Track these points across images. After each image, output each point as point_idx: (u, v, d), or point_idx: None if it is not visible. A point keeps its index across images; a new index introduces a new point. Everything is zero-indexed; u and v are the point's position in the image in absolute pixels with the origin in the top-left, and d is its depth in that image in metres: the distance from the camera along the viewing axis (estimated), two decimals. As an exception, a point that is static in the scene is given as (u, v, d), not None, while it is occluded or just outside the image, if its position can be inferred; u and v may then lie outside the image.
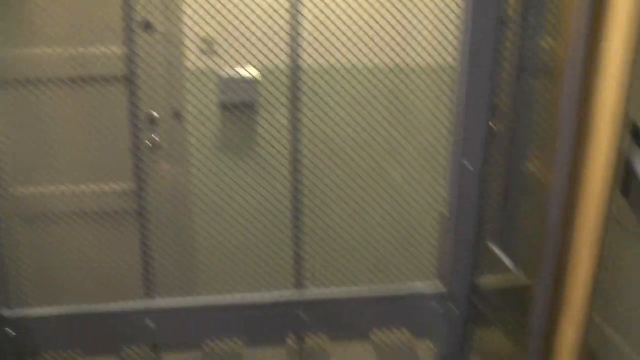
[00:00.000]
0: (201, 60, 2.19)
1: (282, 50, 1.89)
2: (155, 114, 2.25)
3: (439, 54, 1.89)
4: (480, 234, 1.86)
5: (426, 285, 1.97)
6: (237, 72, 2.16)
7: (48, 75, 2.09)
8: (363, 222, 2.27)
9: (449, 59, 1.85)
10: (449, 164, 1.84)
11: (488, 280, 1.94)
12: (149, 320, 1.89)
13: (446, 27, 1.80)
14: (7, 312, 1.87)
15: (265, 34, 1.90)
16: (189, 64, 2.16)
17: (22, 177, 2.21)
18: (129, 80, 1.71)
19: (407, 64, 2.03)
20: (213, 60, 2.17)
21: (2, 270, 1.87)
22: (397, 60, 2.02)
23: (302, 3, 1.72)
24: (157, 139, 2.23)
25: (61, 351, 1.95)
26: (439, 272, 1.98)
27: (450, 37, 1.78)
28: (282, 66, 1.97)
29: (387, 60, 2.04)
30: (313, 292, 1.96)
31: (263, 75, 2.18)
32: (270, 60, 1.96)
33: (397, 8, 1.88)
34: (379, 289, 2.00)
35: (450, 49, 1.82)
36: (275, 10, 1.85)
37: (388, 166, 2.23)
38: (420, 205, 2.24)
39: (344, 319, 1.97)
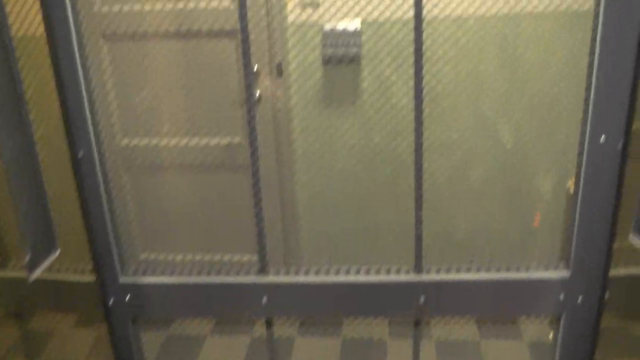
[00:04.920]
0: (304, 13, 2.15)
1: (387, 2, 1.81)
2: (256, 68, 2.23)
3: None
4: (615, 215, 1.65)
5: (549, 268, 1.82)
6: (341, 26, 2.10)
7: (153, 30, 2.11)
8: (478, 191, 2.13)
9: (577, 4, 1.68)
10: (580, 136, 1.64)
11: (622, 271, 1.73)
12: (264, 296, 1.88)
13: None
14: (123, 279, 1.92)
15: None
16: (291, 17, 2.12)
17: (131, 130, 2.25)
18: (243, 32, 1.67)
19: (520, 11, 1.88)
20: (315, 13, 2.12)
21: (115, 236, 1.89)
22: (508, 8, 1.89)
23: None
24: (259, 92, 2.21)
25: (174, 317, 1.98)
26: (564, 255, 1.80)
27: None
28: (389, 19, 1.88)
29: (502, 9, 1.90)
30: (433, 275, 1.85)
31: (379, 24, 2.10)
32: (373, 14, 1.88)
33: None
34: (499, 273, 1.85)
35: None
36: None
37: (507, 125, 2.08)
38: (545, 175, 2.08)
39: (463, 302, 1.84)
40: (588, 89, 1.58)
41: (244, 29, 1.68)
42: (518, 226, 2.19)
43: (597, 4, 1.50)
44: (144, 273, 1.93)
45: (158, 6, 2.12)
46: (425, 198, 2.10)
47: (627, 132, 1.53)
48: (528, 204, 2.15)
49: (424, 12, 1.88)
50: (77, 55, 1.69)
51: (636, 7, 1.44)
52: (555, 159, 1.97)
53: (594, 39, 1.53)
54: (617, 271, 1.75)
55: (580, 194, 1.67)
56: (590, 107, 1.57)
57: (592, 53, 1.54)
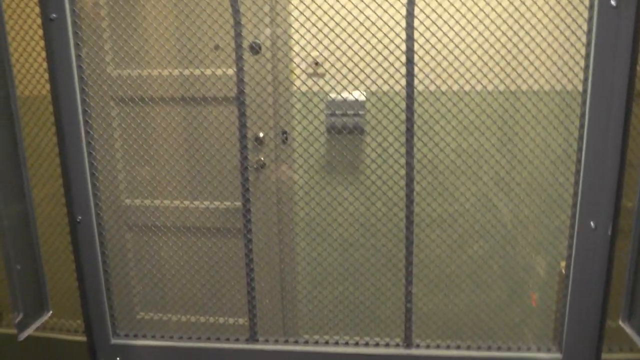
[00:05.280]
0: (307, 81, 2.20)
1: (388, 75, 1.85)
2: (261, 134, 2.28)
3: (559, 81, 1.75)
4: (606, 299, 1.65)
5: (541, 350, 1.80)
6: (345, 95, 2.14)
7: (161, 94, 2.19)
8: (472, 265, 2.12)
9: (570, 85, 1.71)
10: (571, 219, 1.65)
11: (615, 356, 1.71)
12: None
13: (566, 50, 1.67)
14: (114, 341, 1.96)
15: (374, 58, 1.87)
16: (297, 86, 2.18)
17: (133, 190, 2.30)
18: (239, 101, 1.72)
19: (522, 90, 1.91)
20: (317, 84, 2.18)
21: (109, 298, 1.92)
22: (508, 85, 1.92)
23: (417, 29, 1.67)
24: (263, 159, 2.25)
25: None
26: (556, 337, 1.78)
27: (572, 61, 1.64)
28: (392, 90, 1.91)
29: (500, 86, 1.93)
30: (422, 350, 1.85)
31: (378, 99, 2.15)
32: (376, 85, 1.92)
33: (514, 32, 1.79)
34: (490, 352, 1.84)
35: (571, 73, 1.68)
36: (381, 35, 1.82)
37: (501, 203, 2.08)
38: (536, 255, 2.07)
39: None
40: (577, 172, 1.59)
41: (242, 103, 1.73)
42: (514, 303, 2.17)
43: (585, 90, 1.53)
44: (136, 336, 1.95)
45: (165, 72, 2.20)
46: (423, 272, 2.10)
47: (616, 217, 1.53)
48: (525, 281, 2.14)
49: (423, 86, 1.92)
50: (81, 119, 1.75)
51: (620, 102, 1.46)
52: (553, 237, 1.97)
53: (582, 126, 1.55)
54: (610, 355, 1.73)
55: (571, 277, 1.66)
56: (580, 191, 1.58)
57: (580, 138, 1.56)
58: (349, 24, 1.86)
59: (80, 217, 1.77)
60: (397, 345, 1.86)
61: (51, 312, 1.70)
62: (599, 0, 1.47)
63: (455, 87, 1.96)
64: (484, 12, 1.75)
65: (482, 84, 1.94)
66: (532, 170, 1.96)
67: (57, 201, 2.00)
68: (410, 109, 1.65)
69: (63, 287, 2.13)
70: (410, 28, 1.60)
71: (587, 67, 1.52)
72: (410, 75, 1.62)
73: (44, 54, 1.67)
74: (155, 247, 2.27)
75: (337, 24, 1.86)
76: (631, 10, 1.42)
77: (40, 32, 1.63)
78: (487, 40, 1.82)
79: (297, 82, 2.19)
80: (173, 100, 2.24)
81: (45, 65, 1.71)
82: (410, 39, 1.61)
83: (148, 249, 2.28)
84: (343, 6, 1.78)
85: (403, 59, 1.67)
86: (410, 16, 1.60)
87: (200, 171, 2.26)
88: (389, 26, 1.83)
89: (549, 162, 1.89)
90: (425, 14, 1.77)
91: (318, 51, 1.96)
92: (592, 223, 1.58)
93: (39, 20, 1.65)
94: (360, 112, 2.16)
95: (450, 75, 1.92)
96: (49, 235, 2.14)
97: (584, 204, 1.58)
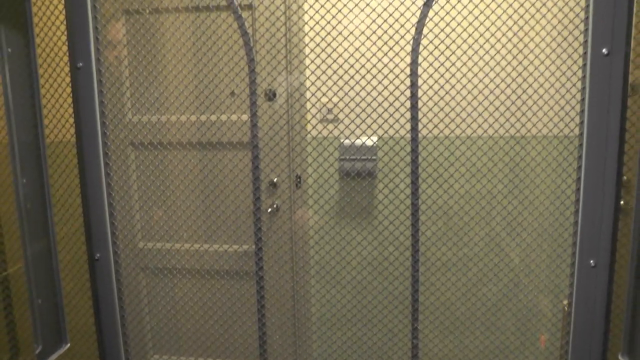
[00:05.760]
0: (318, 127, 2.29)
1: (399, 121, 1.93)
2: (275, 179, 2.36)
3: (556, 125, 1.83)
4: (607, 339, 1.68)
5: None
6: (357, 140, 2.23)
7: (179, 139, 2.30)
8: (481, 305, 2.16)
9: (567, 130, 1.78)
10: (571, 258, 1.70)
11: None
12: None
13: (563, 97, 1.75)
14: None
15: (382, 106, 1.95)
16: (310, 131, 2.27)
17: (150, 229, 2.38)
18: (253, 145, 1.81)
19: (522, 134, 1.99)
20: (328, 129, 2.27)
21: (124, 334, 1.97)
22: (513, 131, 1.99)
23: (421, 78, 1.76)
24: (277, 203, 2.33)
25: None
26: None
27: (569, 108, 1.72)
28: (398, 134, 1.99)
29: (502, 131, 2.01)
30: None
31: (384, 142, 2.22)
32: (386, 131, 2.00)
33: (514, 79, 1.88)
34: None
35: (568, 118, 1.76)
36: (386, 82, 1.91)
37: (507, 245, 2.13)
38: (541, 292, 2.11)
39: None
40: (576, 212, 1.65)
41: (255, 147, 1.82)
42: (523, 346, 2.19)
43: (581, 133, 1.60)
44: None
45: (183, 118, 2.30)
46: (435, 315, 2.14)
47: (614, 255, 1.58)
48: (533, 324, 2.17)
49: (427, 131, 2.00)
50: (102, 163, 1.84)
51: (614, 143, 1.53)
52: (560, 280, 2.01)
53: (579, 167, 1.62)
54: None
55: (573, 314, 1.70)
56: (579, 230, 1.63)
57: (578, 179, 1.63)
58: (357, 71, 1.96)
59: (98, 255, 1.85)
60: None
61: (69, 344, 1.77)
62: (592, 49, 1.56)
63: (458, 131, 2.04)
64: (484, 61, 1.85)
65: (482, 128, 2.02)
66: (532, 211, 2.02)
67: (76, 239, 2.08)
68: (415, 152, 1.73)
69: (77, 325, 2.19)
70: (414, 75, 1.70)
71: (582, 111, 1.60)
72: (414, 120, 1.71)
73: (69, 100, 1.78)
74: (170, 284, 2.33)
75: (346, 71, 1.96)
76: (621, 57, 1.51)
77: (68, 79, 1.74)
78: (486, 87, 1.91)
79: (309, 127, 2.28)
80: (189, 145, 2.34)
81: (70, 111, 1.81)
82: (414, 86, 1.70)
83: (162, 288, 2.34)
84: (351, 55, 1.88)
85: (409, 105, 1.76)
86: (414, 64, 1.70)
87: (216, 211, 2.34)
88: (394, 74, 1.93)
89: (548, 202, 1.95)
90: (428, 62, 1.87)
91: (327, 97, 2.06)
92: (591, 261, 1.63)
93: (67, 69, 1.76)
94: (373, 157, 2.24)
95: (452, 120, 2.00)
96: (67, 272, 2.21)
97: (583, 243, 1.64)
